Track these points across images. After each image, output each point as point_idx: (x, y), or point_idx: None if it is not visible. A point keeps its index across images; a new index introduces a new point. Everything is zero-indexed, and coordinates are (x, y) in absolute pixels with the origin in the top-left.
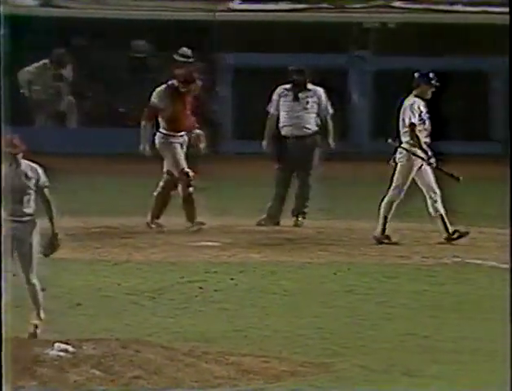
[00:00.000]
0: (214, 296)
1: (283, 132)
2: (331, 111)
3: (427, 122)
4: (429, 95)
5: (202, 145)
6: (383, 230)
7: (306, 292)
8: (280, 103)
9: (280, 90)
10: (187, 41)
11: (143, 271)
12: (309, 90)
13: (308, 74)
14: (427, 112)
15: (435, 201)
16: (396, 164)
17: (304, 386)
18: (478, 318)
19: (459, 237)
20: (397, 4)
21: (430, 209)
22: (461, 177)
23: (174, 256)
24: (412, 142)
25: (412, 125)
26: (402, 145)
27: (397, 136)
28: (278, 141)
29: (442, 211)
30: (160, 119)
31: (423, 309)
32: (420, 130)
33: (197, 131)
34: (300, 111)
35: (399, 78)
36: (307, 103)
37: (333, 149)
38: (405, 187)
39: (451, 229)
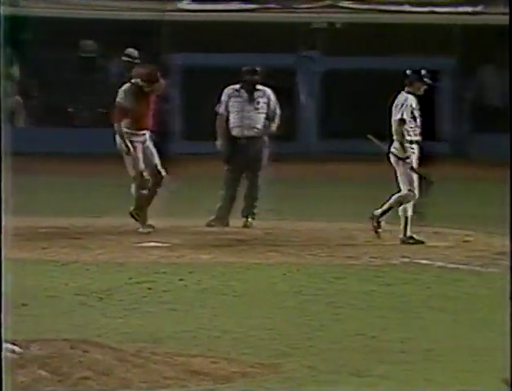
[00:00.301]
0: (163, 297)
1: (234, 132)
2: (279, 111)
3: (418, 119)
4: (421, 92)
5: None
6: (377, 228)
7: (255, 293)
8: (230, 104)
9: (229, 90)
10: (135, 41)
11: (91, 272)
12: (259, 91)
13: (262, 75)
14: (419, 109)
15: (408, 201)
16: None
17: (254, 387)
18: (426, 318)
19: (413, 243)
20: (345, 4)
21: (400, 207)
22: (434, 181)
23: (123, 256)
24: (405, 138)
25: (401, 121)
26: (393, 144)
27: (389, 134)
28: (228, 141)
29: (409, 213)
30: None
31: (371, 310)
32: (411, 127)
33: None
34: (251, 111)
35: (347, 78)
36: (258, 103)
37: (273, 132)
38: (415, 184)
39: (409, 233)
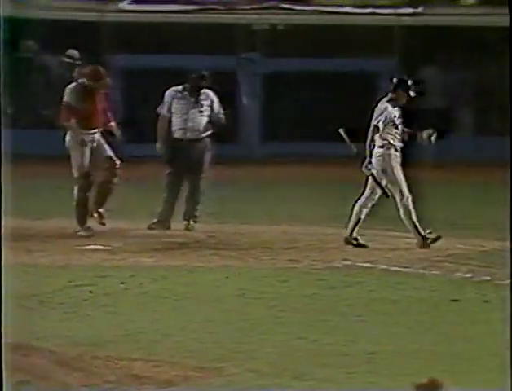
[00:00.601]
0: (104, 300)
1: (176, 135)
2: (222, 114)
3: (400, 127)
4: (403, 102)
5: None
6: (420, 235)
7: (197, 297)
8: (173, 106)
9: (172, 92)
10: (75, 41)
11: (31, 275)
12: (202, 93)
13: (209, 80)
14: (400, 117)
15: (366, 205)
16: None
17: None
18: (368, 321)
19: (357, 245)
20: (286, 5)
21: (356, 206)
22: (389, 194)
23: (63, 259)
24: (389, 143)
25: (375, 128)
26: (375, 150)
27: (367, 139)
28: (170, 144)
29: (363, 216)
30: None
31: (314, 313)
32: (391, 134)
33: (111, 124)
34: (195, 114)
35: (289, 80)
36: (202, 106)
37: (222, 122)
38: (405, 185)
39: (355, 234)
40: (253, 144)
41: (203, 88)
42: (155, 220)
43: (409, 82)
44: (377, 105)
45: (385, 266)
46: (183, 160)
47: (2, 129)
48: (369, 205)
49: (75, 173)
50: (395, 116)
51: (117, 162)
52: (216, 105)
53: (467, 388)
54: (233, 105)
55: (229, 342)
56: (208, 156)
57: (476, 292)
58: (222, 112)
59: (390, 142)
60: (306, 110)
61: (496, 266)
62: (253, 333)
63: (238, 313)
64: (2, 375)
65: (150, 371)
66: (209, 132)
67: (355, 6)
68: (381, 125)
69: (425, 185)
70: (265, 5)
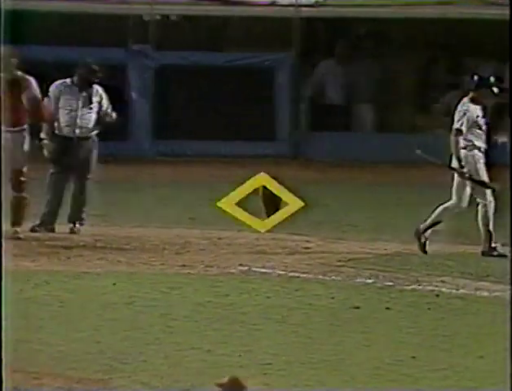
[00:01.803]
0: None
1: (64, 132)
2: (112, 111)
3: (484, 127)
4: (486, 100)
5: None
6: (489, 245)
7: (83, 304)
8: (61, 101)
9: (60, 85)
10: None
11: None
12: (91, 88)
13: (99, 73)
14: (483, 117)
15: (451, 211)
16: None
17: None
18: (265, 330)
19: (497, 256)
20: None
21: (439, 208)
22: (495, 187)
23: None
24: (472, 144)
25: (457, 131)
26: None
27: (452, 144)
28: (55, 141)
29: (491, 226)
30: None
31: (207, 322)
32: (476, 136)
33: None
34: (84, 110)
35: (182, 75)
36: (91, 102)
37: (112, 118)
38: (465, 197)
39: (493, 245)
40: (145, 142)
41: (93, 83)
42: (38, 222)
43: (491, 79)
44: (457, 105)
45: (283, 272)
46: (69, 158)
47: (1, 129)
48: (455, 211)
49: None
50: (477, 117)
51: (22, 179)
52: (105, 101)
53: (467, 388)
54: (123, 100)
55: (116, 352)
56: (95, 155)
57: (378, 298)
58: (111, 109)
59: (473, 144)
60: (200, 106)
61: (399, 271)
62: (142, 343)
63: (126, 321)
64: (1, 376)
65: (30, 383)
66: (97, 130)
67: None
68: (464, 128)
69: (318, 185)
70: None
